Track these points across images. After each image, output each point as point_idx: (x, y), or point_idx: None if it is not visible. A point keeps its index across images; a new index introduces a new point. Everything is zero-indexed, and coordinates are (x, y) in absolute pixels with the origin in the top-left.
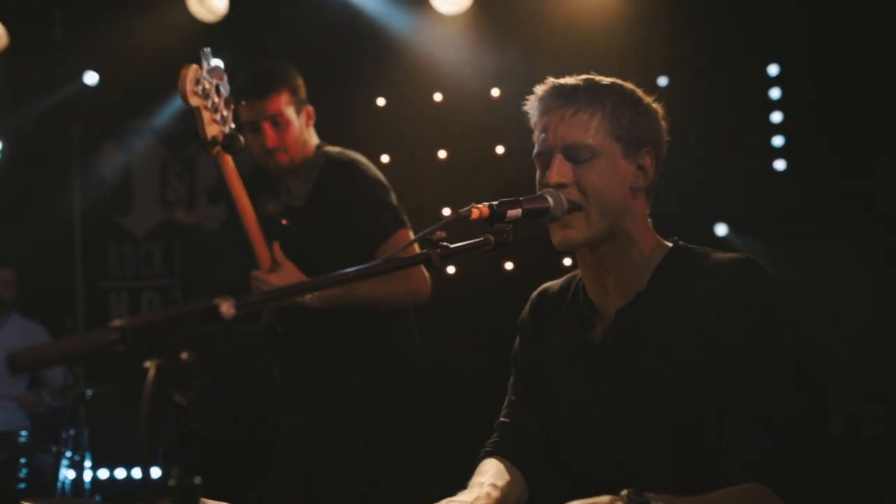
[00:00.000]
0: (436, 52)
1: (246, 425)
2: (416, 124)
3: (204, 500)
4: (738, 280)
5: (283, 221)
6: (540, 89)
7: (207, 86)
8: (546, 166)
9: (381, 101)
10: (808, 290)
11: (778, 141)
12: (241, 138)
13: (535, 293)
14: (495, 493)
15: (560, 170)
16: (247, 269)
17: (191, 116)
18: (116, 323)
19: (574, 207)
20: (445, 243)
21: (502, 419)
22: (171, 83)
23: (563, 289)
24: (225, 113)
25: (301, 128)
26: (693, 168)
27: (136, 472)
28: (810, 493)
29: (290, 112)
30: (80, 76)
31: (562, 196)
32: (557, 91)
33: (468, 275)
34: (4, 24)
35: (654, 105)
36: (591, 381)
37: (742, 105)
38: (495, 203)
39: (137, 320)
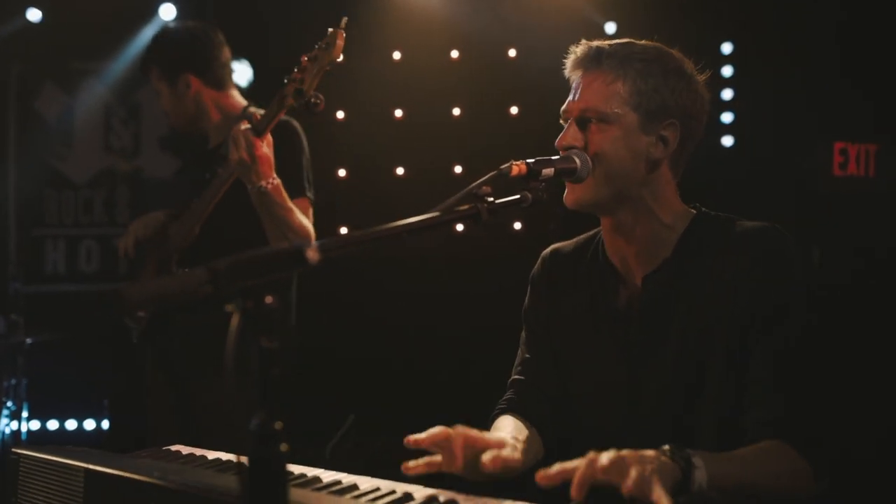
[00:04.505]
0: (455, 9)
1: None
2: (431, 81)
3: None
4: (766, 249)
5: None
6: (576, 50)
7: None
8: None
9: (396, 55)
10: None
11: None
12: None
13: (546, 251)
14: (520, 447)
15: (572, 133)
16: None
17: (138, 62)
18: (207, 266)
19: None
20: (491, 198)
21: (516, 376)
22: (119, 23)
23: (579, 250)
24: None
25: (180, 97)
26: None
27: (71, 424)
28: (830, 452)
29: (162, 85)
30: (22, 13)
31: (588, 158)
32: (585, 54)
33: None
34: None
35: (697, 78)
36: (616, 346)
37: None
38: (532, 161)
39: (226, 263)
